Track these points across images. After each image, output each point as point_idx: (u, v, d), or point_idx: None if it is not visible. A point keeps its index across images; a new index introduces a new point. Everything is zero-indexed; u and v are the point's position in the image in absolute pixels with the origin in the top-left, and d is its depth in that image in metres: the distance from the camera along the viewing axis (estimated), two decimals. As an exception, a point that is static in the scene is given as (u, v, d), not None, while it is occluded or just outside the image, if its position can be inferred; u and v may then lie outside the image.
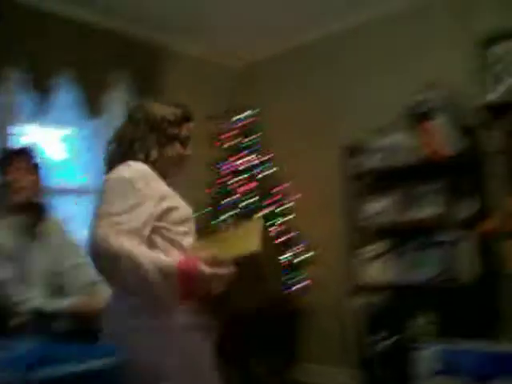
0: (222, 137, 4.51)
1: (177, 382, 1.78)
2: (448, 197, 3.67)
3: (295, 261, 4.32)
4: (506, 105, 3.25)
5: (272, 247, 4.14)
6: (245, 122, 4.55)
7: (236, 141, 4.50)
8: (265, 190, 4.44)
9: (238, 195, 4.35)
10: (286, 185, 4.47)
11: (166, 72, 4.52)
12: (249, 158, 4.46)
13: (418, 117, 3.74)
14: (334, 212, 4.35)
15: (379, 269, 3.92)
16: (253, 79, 5.17)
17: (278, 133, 4.72)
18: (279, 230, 4.37)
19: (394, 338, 3.61)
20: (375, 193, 4.05)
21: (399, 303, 3.73)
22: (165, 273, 1.62)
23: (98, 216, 1.71)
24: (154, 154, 1.96)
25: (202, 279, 1.63)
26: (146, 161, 1.92)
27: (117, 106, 4.32)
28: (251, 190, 4.37)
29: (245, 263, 1.73)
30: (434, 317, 3.56)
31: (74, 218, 3.90)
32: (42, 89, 3.82)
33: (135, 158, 1.91)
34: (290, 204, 4.47)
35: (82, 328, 2.59)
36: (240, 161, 4.45)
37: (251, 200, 4.33)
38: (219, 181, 4.46)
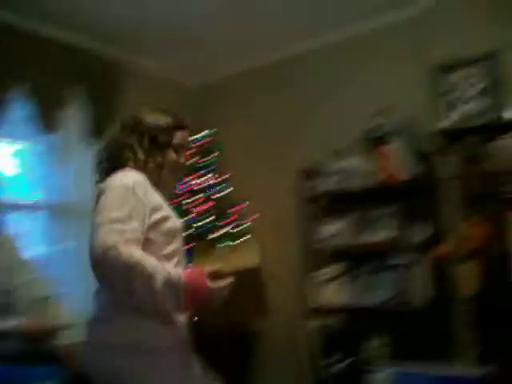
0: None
1: None
2: (402, 221, 3.72)
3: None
4: (460, 131, 3.32)
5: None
6: (202, 142, 4.53)
7: (193, 160, 4.46)
8: (221, 210, 4.41)
9: (193, 215, 4.31)
10: (243, 206, 4.45)
11: (123, 89, 4.46)
12: (205, 177, 4.43)
13: (374, 141, 3.79)
14: (290, 234, 4.35)
15: (334, 291, 3.92)
16: (211, 98, 5.16)
17: (236, 153, 4.71)
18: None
19: (349, 361, 3.61)
20: (330, 215, 4.06)
21: (353, 326, 3.74)
22: (172, 284, 1.62)
23: (101, 223, 1.68)
24: (146, 161, 1.95)
25: (206, 291, 1.66)
26: (138, 168, 1.92)
27: (72, 121, 4.23)
28: (207, 210, 4.33)
29: (244, 277, 1.81)
30: (387, 340, 3.58)
31: (26, 235, 3.81)
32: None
33: (127, 166, 1.91)
34: (246, 225, 4.45)
35: (32, 348, 2.51)
36: (196, 180, 4.41)
37: (207, 220, 4.29)
38: (174, 200, 4.41)
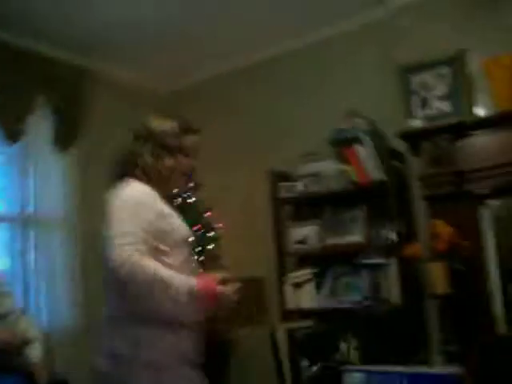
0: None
1: None
2: (373, 222, 3.73)
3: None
4: (429, 131, 3.33)
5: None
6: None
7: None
8: (193, 215, 4.37)
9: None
10: (215, 210, 4.42)
11: (92, 96, 4.42)
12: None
13: (343, 143, 3.80)
14: (262, 238, 4.33)
15: (306, 295, 3.91)
16: (183, 104, 5.13)
17: (207, 157, 4.66)
18: (208, 255, 4.29)
19: (322, 364, 3.59)
20: (301, 219, 4.07)
21: (326, 329, 3.72)
22: (187, 291, 1.73)
23: (114, 238, 1.75)
24: (155, 167, 2.00)
25: (218, 297, 1.78)
26: (146, 175, 1.98)
27: (37, 131, 4.17)
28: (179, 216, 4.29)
29: (250, 286, 1.87)
30: (360, 342, 3.57)
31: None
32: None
33: (136, 174, 1.98)
34: (218, 230, 4.41)
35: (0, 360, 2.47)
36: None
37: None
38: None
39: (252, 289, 2.04)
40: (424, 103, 3.54)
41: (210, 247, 4.26)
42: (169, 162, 2.03)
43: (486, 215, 3.25)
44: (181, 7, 3.88)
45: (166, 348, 1.83)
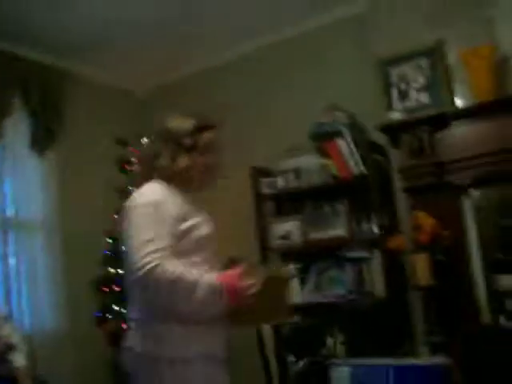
0: (132, 161, 4.36)
1: None
2: (355, 215, 3.73)
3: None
4: (408, 123, 3.33)
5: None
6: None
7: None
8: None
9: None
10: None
11: (69, 97, 4.37)
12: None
13: (324, 137, 3.79)
14: (245, 233, 4.31)
15: (290, 290, 3.90)
16: (161, 104, 5.09)
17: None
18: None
19: (308, 359, 3.59)
20: (284, 214, 4.06)
21: (311, 323, 3.72)
22: (212, 289, 1.77)
23: (136, 246, 1.78)
24: (173, 167, 2.00)
25: (242, 290, 1.80)
26: (165, 176, 1.98)
27: (14, 133, 4.11)
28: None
29: (273, 283, 1.94)
30: (345, 335, 3.57)
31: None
32: None
33: (156, 175, 2.00)
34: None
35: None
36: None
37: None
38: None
39: (276, 286, 2.03)
40: (403, 95, 3.54)
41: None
42: (183, 161, 2.01)
43: (467, 205, 3.26)
44: (155, 6, 3.86)
45: (191, 345, 1.84)
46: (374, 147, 3.73)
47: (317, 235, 3.81)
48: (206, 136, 2.10)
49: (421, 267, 3.17)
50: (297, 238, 3.90)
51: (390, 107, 3.55)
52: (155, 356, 1.82)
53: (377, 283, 3.52)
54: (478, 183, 3.19)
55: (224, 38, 4.44)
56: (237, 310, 1.83)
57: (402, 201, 3.59)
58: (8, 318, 3.26)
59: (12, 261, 3.98)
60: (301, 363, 3.59)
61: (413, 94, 3.52)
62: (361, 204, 3.70)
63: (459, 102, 3.37)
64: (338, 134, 3.70)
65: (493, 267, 3.17)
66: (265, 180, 4.10)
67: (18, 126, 4.14)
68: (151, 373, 1.82)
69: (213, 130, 2.14)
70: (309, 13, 4.14)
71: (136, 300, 1.92)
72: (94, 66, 4.66)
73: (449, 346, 3.02)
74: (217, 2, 3.90)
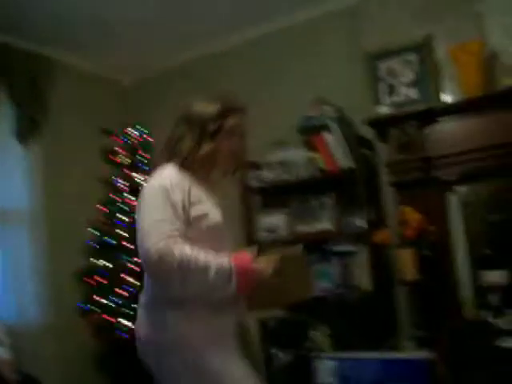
0: (117, 152, 4.32)
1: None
2: (342, 209, 3.73)
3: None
4: (397, 117, 3.33)
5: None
6: (139, 139, 4.40)
7: (133, 157, 4.34)
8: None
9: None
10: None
11: (53, 86, 4.31)
12: (144, 174, 4.30)
13: (312, 131, 3.78)
14: (232, 226, 4.29)
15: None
16: (147, 96, 5.06)
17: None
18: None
19: (294, 352, 3.60)
20: (271, 207, 4.04)
21: (297, 317, 3.73)
22: (224, 271, 1.76)
23: (148, 227, 1.77)
24: (195, 151, 1.98)
25: (255, 272, 1.79)
26: (185, 160, 1.97)
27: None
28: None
29: (288, 262, 1.92)
30: (331, 329, 3.59)
31: None
32: None
33: (176, 159, 1.98)
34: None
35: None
36: (137, 177, 4.28)
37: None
38: (114, 197, 4.27)
39: (293, 267, 2.02)
40: (391, 90, 3.54)
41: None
42: (208, 146, 1.99)
43: (454, 201, 3.28)
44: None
45: (206, 331, 1.84)
46: (362, 141, 3.73)
47: (303, 228, 3.81)
48: (231, 120, 2.07)
49: (407, 262, 3.18)
50: (283, 231, 3.89)
51: (378, 101, 3.54)
52: (167, 342, 1.83)
53: (363, 277, 3.53)
54: (465, 179, 3.20)
55: (211, 28, 4.39)
56: (256, 292, 1.82)
57: (388, 195, 3.60)
58: None
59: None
60: (287, 357, 3.60)
61: (401, 89, 3.51)
62: (348, 198, 3.70)
63: (448, 98, 3.37)
64: (326, 127, 3.69)
65: (479, 263, 3.19)
66: (251, 173, 4.08)
67: (2, 116, 4.08)
68: (164, 359, 1.83)
69: (238, 113, 2.11)
70: (299, 4, 4.11)
71: (149, 285, 1.93)
72: (79, 54, 4.60)
73: (434, 341, 3.04)
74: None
